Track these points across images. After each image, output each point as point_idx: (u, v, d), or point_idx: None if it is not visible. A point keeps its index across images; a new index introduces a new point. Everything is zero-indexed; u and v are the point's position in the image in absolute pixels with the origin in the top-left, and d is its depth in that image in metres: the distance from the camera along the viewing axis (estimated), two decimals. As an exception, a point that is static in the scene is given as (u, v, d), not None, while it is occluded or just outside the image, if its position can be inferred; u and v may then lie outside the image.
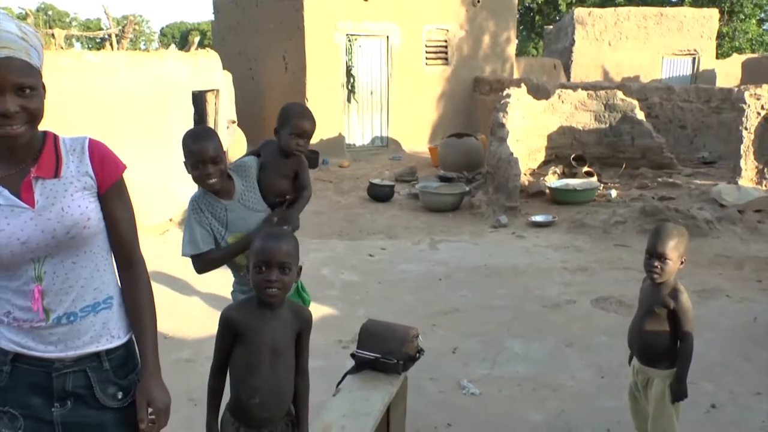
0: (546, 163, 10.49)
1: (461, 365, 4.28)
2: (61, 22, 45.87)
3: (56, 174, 1.70)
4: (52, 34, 9.93)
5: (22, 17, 14.05)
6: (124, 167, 1.83)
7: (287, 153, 2.85)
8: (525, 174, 9.42)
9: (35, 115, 1.61)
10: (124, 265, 1.88)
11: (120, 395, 1.82)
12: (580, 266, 6.43)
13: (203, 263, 2.70)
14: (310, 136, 2.85)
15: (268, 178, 2.86)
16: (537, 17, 28.83)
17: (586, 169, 9.93)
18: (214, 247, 2.71)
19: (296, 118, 2.82)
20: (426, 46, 13.76)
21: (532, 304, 5.42)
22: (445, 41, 14.00)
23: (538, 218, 8.12)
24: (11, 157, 1.66)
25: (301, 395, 2.31)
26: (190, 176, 2.63)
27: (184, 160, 2.62)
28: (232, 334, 2.19)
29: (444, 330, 4.85)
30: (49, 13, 48.38)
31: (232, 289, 2.95)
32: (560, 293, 5.67)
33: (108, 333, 1.80)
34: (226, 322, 2.20)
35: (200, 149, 2.55)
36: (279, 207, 2.88)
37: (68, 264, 1.73)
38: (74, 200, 1.71)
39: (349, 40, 12.98)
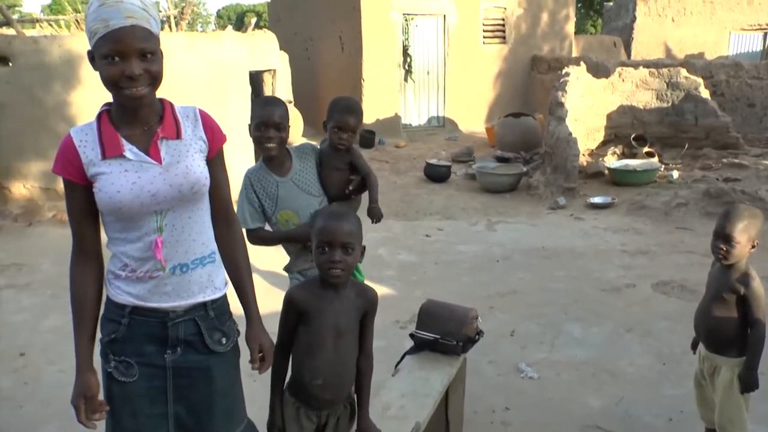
0: (605, 144, 10.25)
1: (519, 348, 4.26)
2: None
3: (178, 135, 1.87)
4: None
5: (86, 0, 14.44)
6: (225, 138, 2.01)
7: (335, 147, 2.91)
8: (583, 154, 9.24)
9: (156, 77, 1.77)
10: (224, 223, 2.06)
11: (224, 340, 2.00)
12: (640, 249, 6.30)
13: (255, 238, 2.81)
14: (354, 130, 2.88)
15: (323, 172, 2.92)
16: (595, -6, 28.08)
17: (646, 149, 9.65)
18: (262, 225, 2.82)
19: (339, 113, 2.87)
20: (483, 24, 13.57)
21: (590, 287, 5.35)
22: (503, 19, 13.76)
23: (597, 200, 7.97)
24: (136, 118, 1.82)
25: (363, 377, 2.31)
26: (250, 143, 2.71)
27: (249, 122, 2.74)
28: (296, 314, 2.20)
29: (502, 312, 4.83)
30: (112, -4, 49.57)
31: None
32: (619, 276, 5.57)
33: (212, 284, 1.97)
34: (290, 302, 2.21)
35: (267, 113, 2.66)
36: (343, 200, 2.93)
37: (185, 218, 1.89)
38: (194, 160, 1.88)
39: (406, 20, 12.89)
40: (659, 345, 4.26)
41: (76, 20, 10.00)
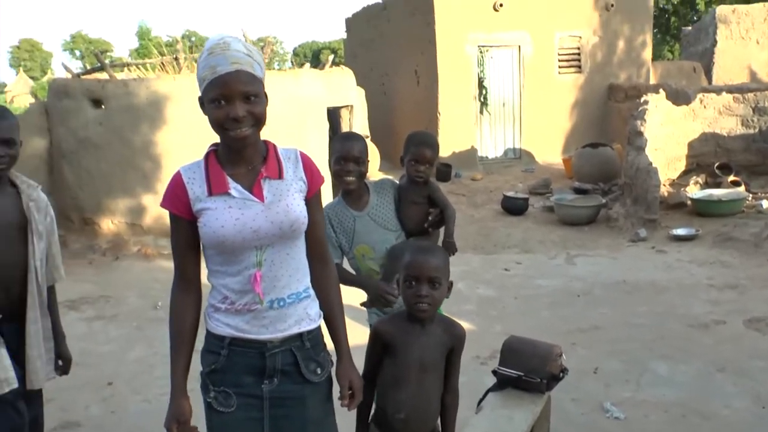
0: (687, 173, 9.96)
1: (603, 386, 4.17)
2: (203, 46, 49.12)
3: (280, 175, 1.97)
4: (194, 59, 10.69)
5: (170, 44, 15.18)
6: (323, 179, 2.10)
7: (413, 180, 2.95)
8: (664, 184, 9.02)
9: (259, 119, 1.88)
10: (320, 261, 2.14)
11: (319, 370, 2.06)
12: (728, 283, 6.08)
13: None
14: (430, 162, 2.91)
15: (402, 207, 2.96)
16: (672, 19, 27.43)
17: (732, 178, 9.33)
18: (339, 261, 2.84)
19: (414, 146, 2.92)
20: (558, 54, 13.50)
21: (676, 323, 5.19)
22: (578, 48, 13.66)
23: (680, 231, 7.76)
24: (241, 157, 1.93)
25: (448, 413, 2.34)
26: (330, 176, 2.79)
27: (328, 158, 2.83)
28: (381, 347, 2.26)
29: (584, 348, 4.76)
30: (193, 39, 51.84)
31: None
32: (707, 312, 5.39)
33: (308, 316, 2.04)
34: (376, 335, 2.28)
35: (347, 147, 2.74)
36: (422, 235, 2.95)
37: (283, 254, 1.97)
38: (294, 199, 1.97)
39: (481, 52, 12.98)
40: (756, 386, 4.07)
41: (162, 63, 10.55)
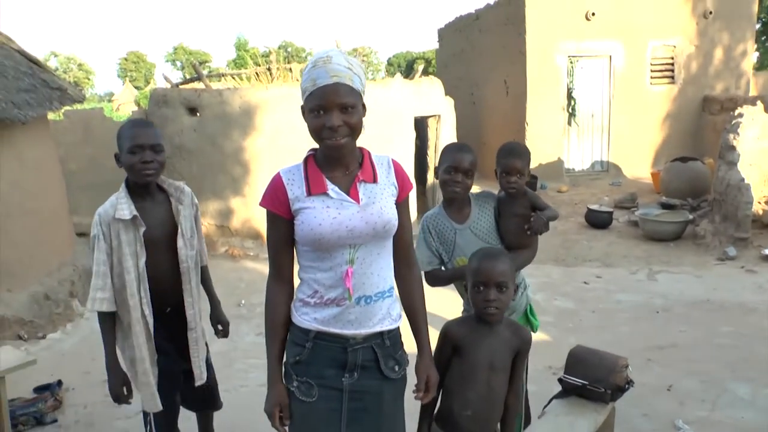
0: (787, 191, 9.50)
1: (677, 404, 4.10)
2: (298, 57, 50.61)
3: (374, 179, 2.10)
4: (290, 68, 11.08)
5: (266, 54, 15.76)
6: (412, 186, 2.22)
7: (508, 192, 2.98)
8: (759, 202, 8.63)
9: (354, 128, 1.99)
10: (405, 263, 2.25)
11: (396, 368, 2.17)
12: (824, 307, 5.80)
13: (431, 279, 2.96)
14: (521, 172, 2.91)
15: (502, 221, 2.99)
16: (783, 26, 26.03)
17: (836, 197, 8.84)
18: (438, 267, 2.94)
19: (503, 157, 2.94)
20: (651, 64, 13.13)
21: (763, 345, 5.01)
22: (672, 58, 13.25)
23: (774, 251, 7.43)
24: (339, 163, 2.06)
25: (509, 414, 2.42)
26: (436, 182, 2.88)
27: (436, 165, 2.92)
28: (450, 347, 2.37)
29: (660, 365, 4.68)
30: (289, 49, 53.46)
31: (462, 309, 3.12)
32: (799, 336, 5.18)
33: (389, 316, 2.14)
34: (446, 336, 2.39)
35: (459, 158, 2.82)
36: (521, 248, 2.95)
37: (374, 254, 2.08)
38: (387, 203, 2.09)
39: (571, 62, 12.83)
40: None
41: (256, 73, 10.98)
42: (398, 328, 2.19)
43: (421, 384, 2.21)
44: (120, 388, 2.83)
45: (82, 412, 4.27)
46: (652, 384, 4.29)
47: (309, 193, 2.03)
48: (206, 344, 3.18)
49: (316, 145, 2.08)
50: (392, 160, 2.20)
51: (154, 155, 2.74)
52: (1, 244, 5.68)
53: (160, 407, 2.86)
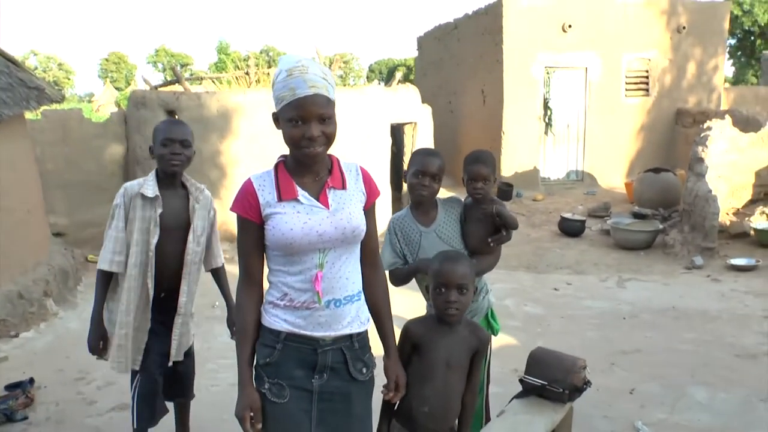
0: (753, 203, 9.72)
1: (638, 407, 4.22)
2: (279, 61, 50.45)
3: (343, 186, 2.15)
4: (269, 73, 11.14)
5: (247, 59, 15.80)
6: (379, 193, 2.29)
7: (474, 198, 3.08)
8: (727, 213, 8.87)
9: (330, 138, 2.06)
10: (371, 267, 2.30)
11: (364, 370, 2.22)
12: (785, 316, 5.97)
13: (394, 278, 3.05)
14: (486, 179, 3.01)
15: (466, 226, 3.08)
16: (758, 41, 26.58)
17: (801, 209, 9.08)
18: (400, 266, 3.03)
19: (469, 164, 3.05)
20: (626, 76, 13.40)
21: (722, 351, 5.16)
22: (647, 71, 13.53)
23: (739, 261, 7.64)
24: (310, 170, 2.11)
25: (467, 411, 2.51)
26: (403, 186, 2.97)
27: (405, 169, 3.02)
28: (410, 345, 2.45)
29: (623, 369, 4.81)
30: (270, 54, 53.39)
31: (426, 311, 3.18)
32: (759, 343, 5.31)
33: (358, 319, 2.19)
34: (406, 334, 2.47)
35: (427, 162, 2.92)
36: (483, 253, 3.04)
37: (342, 258, 2.13)
38: (356, 208, 2.15)
39: (547, 73, 13.04)
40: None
41: (236, 77, 11.03)
42: (366, 331, 2.23)
43: (390, 384, 2.30)
44: (97, 342, 3.11)
45: (54, 409, 4.30)
46: (614, 387, 4.41)
47: (280, 199, 2.07)
48: (192, 335, 3.40)
49: (287, 152, 2.13)
50: (360, 167, 2.25)
51: (182, 149, 3.05)
52: (-25, 242, 5.69)
53: (127, 371, 3.11)
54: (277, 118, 2.08)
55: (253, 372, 2.17)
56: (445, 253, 2.57)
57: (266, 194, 2.09)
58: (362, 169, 2.25)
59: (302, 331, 2.10)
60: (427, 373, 2.42)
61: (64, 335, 5.71)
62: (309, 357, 2.12)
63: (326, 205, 2.10)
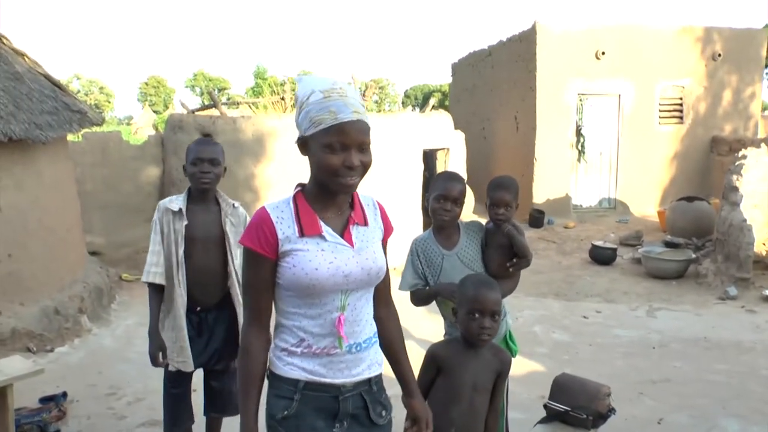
0: (791, 233, 9.56)
1: (665, 437, 4.18)
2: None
3: (365, 222, 2.02)
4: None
5: (283, 83, 16.09)
6: (393, 229, 2.17)
7: (495, 223, 3.11)
8: (763, 243, 8.70)
9: (367, 168, 1.90)
10: (385, 304, 2.18)
11: (383, 413, 2.08)
12: (823, 349, 5.84)
13: (415, 299, 3.12)
14: (507, 204, 3.05)
15: (487, 250, 3.12)
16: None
17: (840, 241, 8.88)
18: (421, 289, 3.07)
19: (492, 190, 3.10)
20: (660, 104, 13.28)
21: (757, 383, 5.07)
22: (681, 99, 13.40)
23: (775, 292, 7.48)
24: (334, 202, 1.95)
25: (490, 432, 2.54)
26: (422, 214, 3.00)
27: (428, 194, 3.08)
28: (435, 368, 2.49)
29: (652, 399, 4.75)
30: (306, 78, 54.01)
31: (444, 332, 3.23)
32: (795, 376, 5.22)
33: (375, 362, 2.06)
34: (432, 357, 2.52)
35: (448, 187, 2.97)
36: (503, 278, 3.03)
37: (363, 299, 2.00)
38: (377, 247, 2.02)
39: (580, 100, 13.01)
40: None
41: (271, 103, 11.24)
42: (381, 372, 2.11)
43: (422, 424, 2.16)
44: (157, 352, 3.22)
45: (85, 423, 4.40)
46: (642, 417, 4.37)
47: (302, 234, 1.89)
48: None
49: (303, 180, 2.00)
50: (377, 201, 2.13)
51: (211, 167, 3.25)
52: (19, 259, 5.88)
53: (192, 367, 3.28)
54: (304, 144, 1.90)
55: (266, 426, 1.99)
56: (478, 278, 2.59)
57: (285, 228, 1.90)
58: (379, 204, 2.14)
59: (323, 379, 1.94)
60: (453, 395, 2.46)
61: (98, 351, 5.85)
62: (330, 405, 1.96)
63: (350, 242, 1.94)
